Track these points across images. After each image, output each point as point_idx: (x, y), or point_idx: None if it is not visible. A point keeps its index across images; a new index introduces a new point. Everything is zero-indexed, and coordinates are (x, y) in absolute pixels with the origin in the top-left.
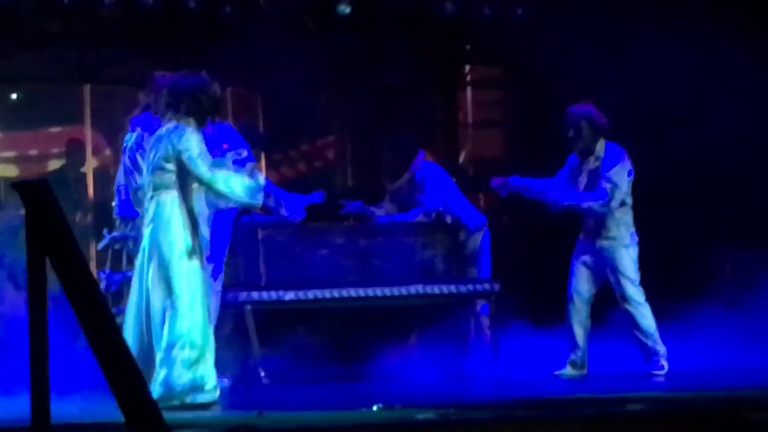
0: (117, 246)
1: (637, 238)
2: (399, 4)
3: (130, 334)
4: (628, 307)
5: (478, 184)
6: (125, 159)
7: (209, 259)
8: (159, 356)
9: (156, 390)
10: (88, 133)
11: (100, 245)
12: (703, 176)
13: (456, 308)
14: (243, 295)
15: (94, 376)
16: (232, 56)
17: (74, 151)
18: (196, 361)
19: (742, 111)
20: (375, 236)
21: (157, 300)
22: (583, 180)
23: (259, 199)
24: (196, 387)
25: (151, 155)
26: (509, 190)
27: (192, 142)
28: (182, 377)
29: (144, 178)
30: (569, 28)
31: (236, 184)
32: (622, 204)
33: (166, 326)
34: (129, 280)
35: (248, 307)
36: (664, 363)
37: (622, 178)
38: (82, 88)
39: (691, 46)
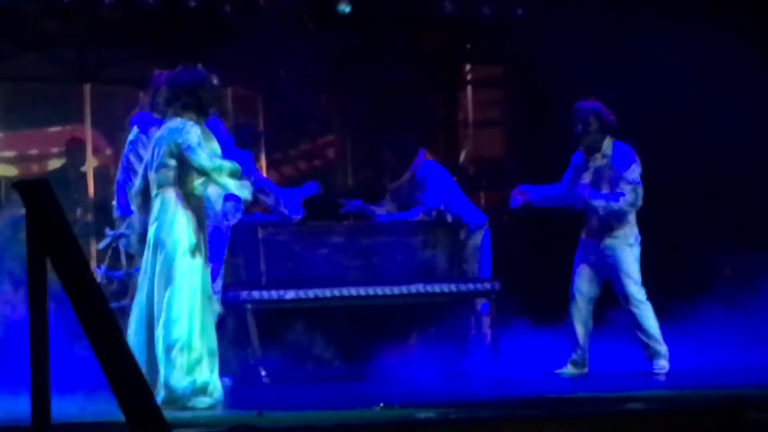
0: (114, 244)
1: (640, 238)
2: (399, 4)
3: (134, 333)
4: (630, 306)
5: (478, 183)
6: (123, 158)
7: (209, 260)
8: (160, 357)
9: (159, 393)
10: (88, 133)
11: (101, 244)
12: (703, 176)
13: (456, 307)
14: (243, 295)
15: (94, 376)
16: (232, 56)
17: (74, 150)
18: (197, 364)
19: (742, 111)
20: (375, 235)
21: (160, 299)
22: (587, 176)
23: (248, 195)
24: (198, 391)
25: (154, 153)
26: (530, 204)
27: (192, 135)
28: (182, 380)
29: (149, 176)
30: (569, 28)
31: (230, 174)
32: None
33: (163, 327)
34: (128, 277)
35: (249, 306)
36: (666, 363)
37: (638, 176)
38: (82, 88)
39: (691, 46)
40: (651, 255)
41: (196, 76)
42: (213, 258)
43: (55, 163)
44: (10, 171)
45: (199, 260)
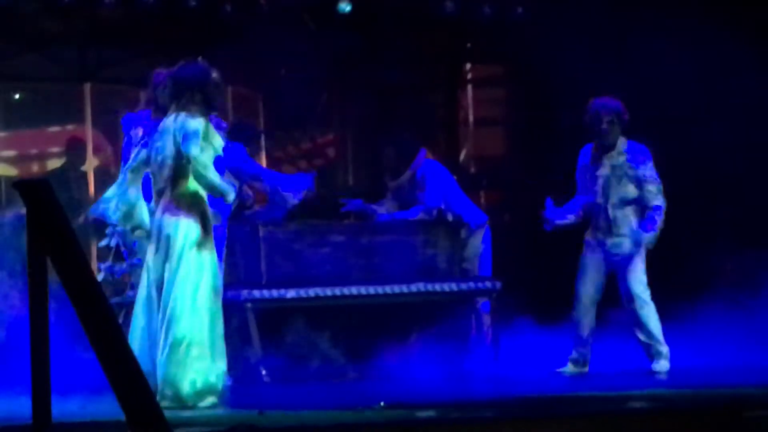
0: (112, 243)
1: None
2: (399, 4)
3: (138, 328)
4: (634, 306)
5: (478, 183)
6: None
7: None
8: (165, 354)
9: (162, 391)
10: (88, 133)
11: (102, 243)
12: (703, 176)
13: (457, 306)
14: (244, 294)
15: (95, 375)
16: (232, 56)
17: (75, 150)
18: (202, 362)
19: (742, 111)
20: (376, 234)
21: (166, 294)
22: (604, 172)
23: (231, 196)
24: (203, 390)
25: (159, 147)
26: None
27: (193, 128)
28: (186, 379)
29: (153, 170)
30: (569, 28)
31: (215, 173)
32: (634, 201)
33: (168, 323)
34: (131, 268)
35: (249, 305)
36: (667, 363)
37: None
38: (83, 88)
39: (691, 46)
40: (651, 255)
41: (200, 70)
42: None
43: (55, 163)
44: (10, 171)
45: (206, 255)
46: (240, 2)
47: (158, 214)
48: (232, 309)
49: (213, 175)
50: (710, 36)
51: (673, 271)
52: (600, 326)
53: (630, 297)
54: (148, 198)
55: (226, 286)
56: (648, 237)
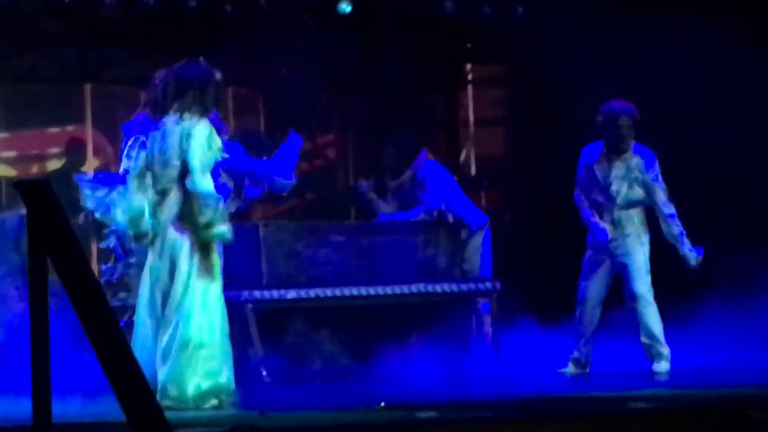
0: (112, 244)
1: (650, 236)
2: (399, 4)
3: (140, 327)
4: (637, 306)
5: (479, 183)
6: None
7: None
8: (171, 354)
9: (166, 390)
10: (88, 133)
11: (103, 243)
12: (703, 176)
13: (457, 307)
14: (244, 294)
15: (95, 376)
16: (232, 56)
17: (75, 150)
18: (210, 363)
19: (742, 111)
20: (377, 235)
21: (172, 297)
22: (616, 174)
23: (217, 207)
24: (207, 392)
25: (163, 147)
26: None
27: (200, 138)
28: (192, 380)
29: (156, 171)
30: (569, 28)
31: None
32: (639, 203)
33: (174, 325)
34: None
35: (250, 306)
36: (668, 364)
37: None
38: (83, 88)
39: (691, 46)
40: (651, 255)
41: (202, 69)
42: None
43: (55, 163)
44: (10, 171)
45: (213, 256)
46: (240, 2)
47: (162, 215)
48: (232, 309)
49: (206, 186)
50: (710, 36)
51: (673, 271)
52: (601, 326)
53: (633, 296)
54: None
55: (226, 287)
56: (687, 244)
